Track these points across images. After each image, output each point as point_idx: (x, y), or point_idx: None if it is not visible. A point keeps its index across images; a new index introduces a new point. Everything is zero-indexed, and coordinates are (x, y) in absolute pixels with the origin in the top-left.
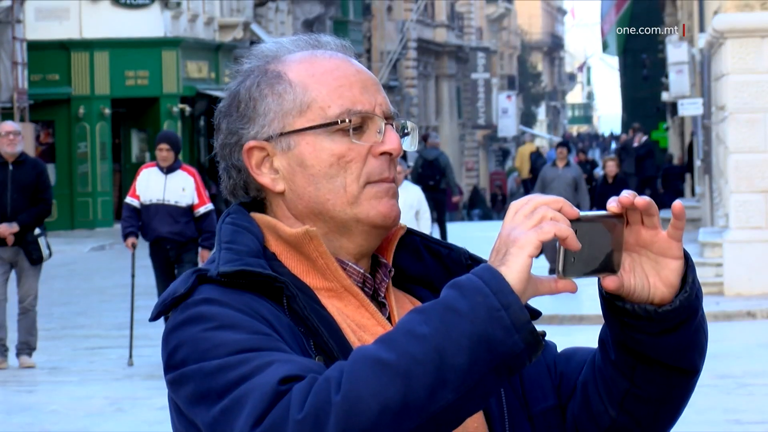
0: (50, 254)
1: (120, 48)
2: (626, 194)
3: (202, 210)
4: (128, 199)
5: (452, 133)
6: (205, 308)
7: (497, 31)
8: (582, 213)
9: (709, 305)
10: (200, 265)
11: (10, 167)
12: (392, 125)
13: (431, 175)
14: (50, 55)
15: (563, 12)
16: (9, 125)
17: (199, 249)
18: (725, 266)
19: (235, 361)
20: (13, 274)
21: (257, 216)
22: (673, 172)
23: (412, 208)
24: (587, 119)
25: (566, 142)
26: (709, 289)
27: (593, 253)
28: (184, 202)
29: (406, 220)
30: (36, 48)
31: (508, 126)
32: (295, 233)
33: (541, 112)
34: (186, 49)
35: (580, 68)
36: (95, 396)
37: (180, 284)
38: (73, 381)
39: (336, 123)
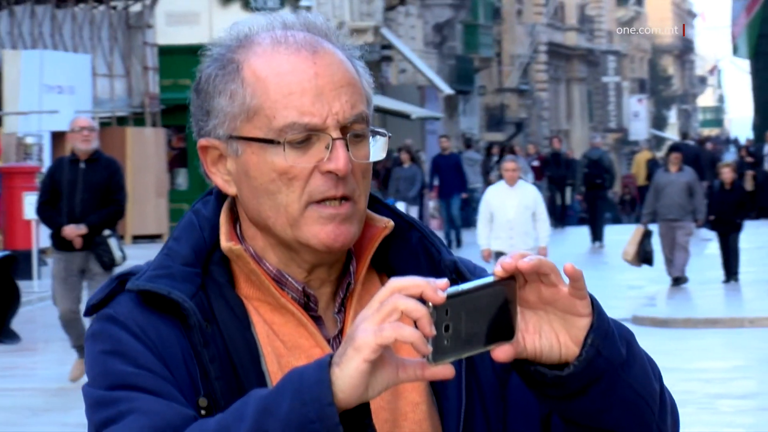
0: (124, 257)
1: None
2: (509, 258)
3: None
4: None
5: (583, 136)
6: (107, 327)
7: (628, 35)
8: (456, 288)
9: None
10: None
11: (82, 165)
12: (344, 140)
13: (597, 174)
14: (181, 60)
15: (694, 15)
16: (83, 120)
17: None
18: None
19: (108, 399)
20: None
21: (224, 210)
22: None
23: (528, 209)
24: (718, 122)
25: (679, 146)
26: None
27: (478, 327)
28: None
29: (522, 222)
30: (167, 53)
31: (639, 129)
32: (224, 248)
33: (672, 116)
34: None
35: (711, 71)
36: None
37: (100, 291)
38: None
39: (274, 141)
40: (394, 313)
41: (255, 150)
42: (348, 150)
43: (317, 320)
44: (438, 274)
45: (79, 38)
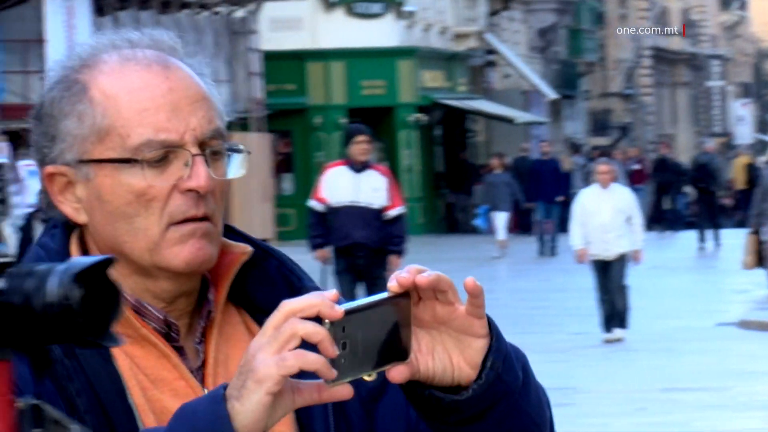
0: None
1: (355, 58)
2: (406, 272)
3: (393, 213)
4: (312, 203)
5: (688, 140)
6: None
7: (732, 39)
8: (352, 304)
9: None
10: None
11: None
12: (204, 155)
13: (701, 177)
14: (285, 65)
15: None
16: None
17: (389, 256)
18: None
19: None
20: None
21: (75, 242)
22: None
23: (623, 212)
24: None
25: None
26: None
27: (372, 345)
28: (377, 203)
29: (616, 225)
30: (271, 58)
31: (744, 134)
32: None
33: None
34: (421, 59)
35: None
36: None
37: None
38: None
39: (130, 161)
40: (292, 340)
41: (108, 172)
42: (208, 167)
43: (179, 351)
44: None
45: (183, 44)
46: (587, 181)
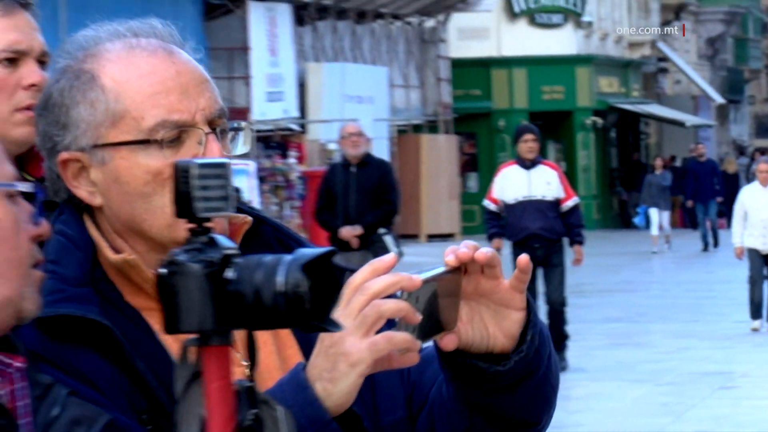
0: (401, 254)
1: (536, 65)
2: (465, 247)
3: (569, 203)
4: (486, 203)
5: None
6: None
7: None
8: (423, 275)
9: None
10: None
11: (353, 169)
12: (215, 132)
13: None
14: (472, 72)
15: None
16: (352, 126)
17: (573, 246)
18: None
19: None
20: None
21: (90, 225)
22: None
23: None
24: None
25: None
26: None
27: (432, 316)
28: (550, 195)
29: None
30: (458, 65)
31: None
32: (116, 261)
33: None
34: (598, 66)
35: None
36: None
37: None
38: None
39: (148, 141)
40: (379, 321)
41: (125, 155)
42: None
43: None
44: None
45: (377, 52)
46: (750, 181)
